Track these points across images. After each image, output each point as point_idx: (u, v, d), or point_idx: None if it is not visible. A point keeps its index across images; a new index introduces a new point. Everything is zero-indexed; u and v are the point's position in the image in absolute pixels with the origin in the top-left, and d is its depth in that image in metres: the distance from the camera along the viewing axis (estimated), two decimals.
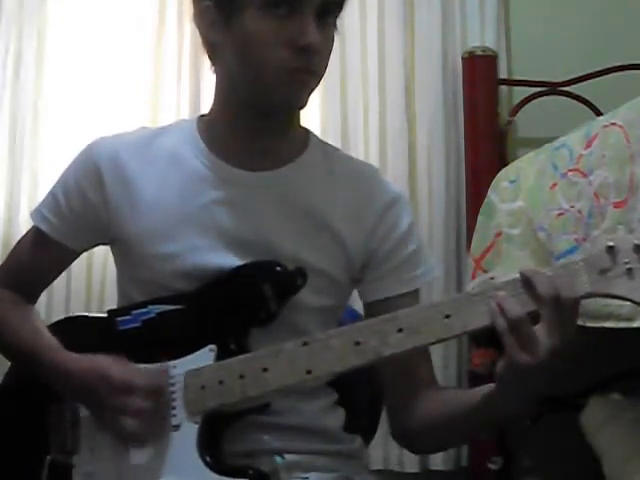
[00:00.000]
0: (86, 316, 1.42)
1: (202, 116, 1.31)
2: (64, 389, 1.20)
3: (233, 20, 1.16)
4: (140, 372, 1.15)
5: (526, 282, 1.01)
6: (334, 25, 1.20)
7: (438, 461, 2.43)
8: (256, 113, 1.21)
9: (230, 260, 1.20)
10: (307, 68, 1.16)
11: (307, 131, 1.31)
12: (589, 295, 0.99)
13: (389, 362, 1.18)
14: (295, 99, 1.19)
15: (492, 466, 2.26)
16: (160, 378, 1.15)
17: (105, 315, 1.26)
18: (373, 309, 1.25)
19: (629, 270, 0.96)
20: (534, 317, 1.00)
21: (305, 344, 1.10)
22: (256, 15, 1.14)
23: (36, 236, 1.32)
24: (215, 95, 1.26)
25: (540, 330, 0.99)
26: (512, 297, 1.01)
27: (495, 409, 1.10)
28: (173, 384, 1.16)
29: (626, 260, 0.97)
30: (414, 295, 1.27)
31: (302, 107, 1.22)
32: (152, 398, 1.13)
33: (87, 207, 1.26)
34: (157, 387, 1.14)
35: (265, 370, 1.10)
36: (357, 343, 1.06)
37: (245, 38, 1.16)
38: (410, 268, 1.26)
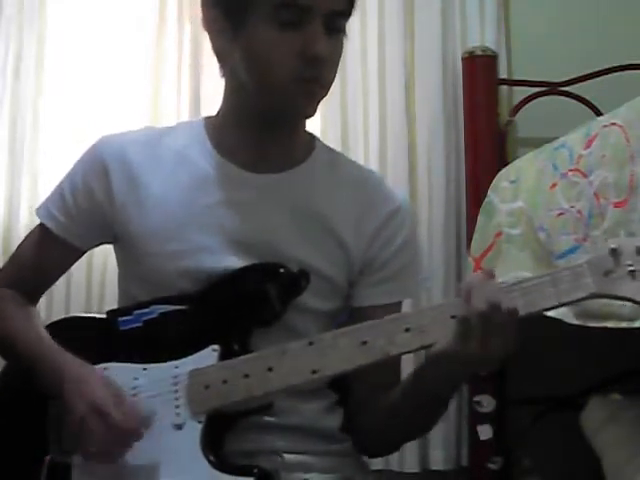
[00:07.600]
0: (86, 316, 1.41)
1: (209, 117, 1.31)
2: (56, 391, 1.18)
3: (241, 29, 1.16)
4: (123, 405, 1.13)
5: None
6: (343, 31, 1.20)
7: (438, 461, 2.43)
8: (263, 120, 1.22)
9: (234, 261, 1.20)
10: (316, 79, 1.17)
11: (312, 136, 1.32)
12: (594, 296, 1.00)
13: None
14: (303, 109, 1.20)
15: (492, 466, 2.26)
16: (138, 420, 1.13)
17: (105, 316, 1.26)
18: (357, 314, 1.25)
19: (632, 272, 0.98)
20: None
21: (311, 344, 1.10)
22: (263, 24, 1.14)
23: (41, 233, 1.31)
24: (224, 98, 1.27)
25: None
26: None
27: (422, 386, 1.13)
28: (176, 383, 1.16)
29: (629, 262, 0.98)
30: (399, 306, 1.27)
31: (310, 116, 1.23)
32: (115, 435, 1.11)
33: (94, 205, 1.26)
34: (125, 430, 1.12)
35: (270, 370, 1.10)
36: (364, 342, 1.07)
37: (253, 47, 1.16)
38: (402, 280, 1.27)
